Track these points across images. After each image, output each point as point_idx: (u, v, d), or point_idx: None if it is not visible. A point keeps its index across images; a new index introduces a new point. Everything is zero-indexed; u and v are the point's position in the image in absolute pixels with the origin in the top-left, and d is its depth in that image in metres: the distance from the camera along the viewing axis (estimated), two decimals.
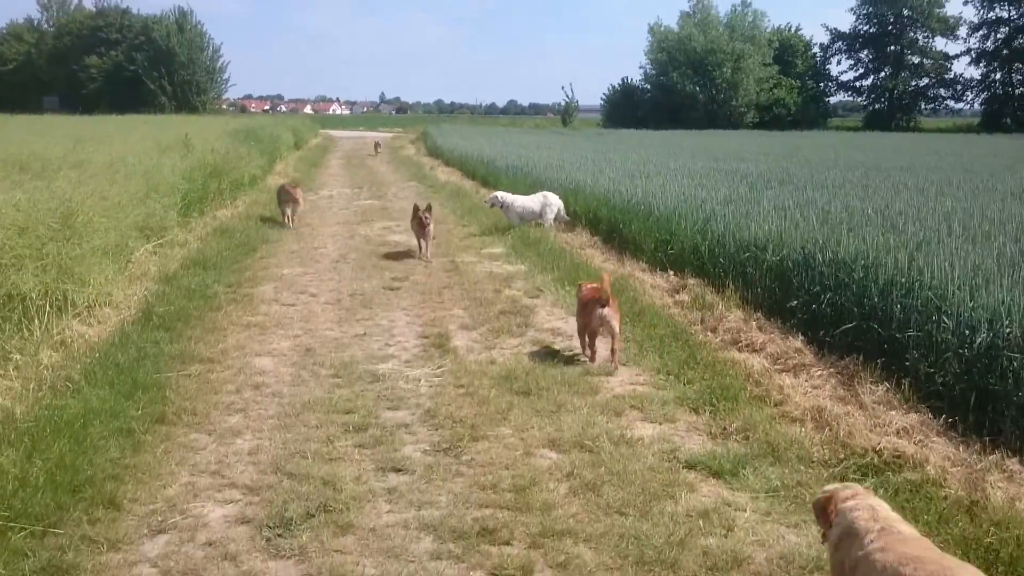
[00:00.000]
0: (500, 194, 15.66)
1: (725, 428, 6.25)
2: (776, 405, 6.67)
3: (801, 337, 7.93)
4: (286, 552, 4.56)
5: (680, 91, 75.42)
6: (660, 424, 6.35)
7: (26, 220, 9.00)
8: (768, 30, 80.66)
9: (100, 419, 6.16)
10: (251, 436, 6.13)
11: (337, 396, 6.88)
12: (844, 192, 14.31)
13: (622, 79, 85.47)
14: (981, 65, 79.91)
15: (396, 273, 12.01)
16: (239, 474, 5.50)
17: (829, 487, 3.98)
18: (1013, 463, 5.38)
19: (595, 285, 8.27)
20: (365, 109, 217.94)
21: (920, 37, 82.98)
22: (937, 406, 6.22)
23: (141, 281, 10.87)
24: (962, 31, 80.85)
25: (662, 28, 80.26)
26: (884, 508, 3.68)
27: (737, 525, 4.82)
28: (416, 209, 13.30)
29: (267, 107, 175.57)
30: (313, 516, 4.89)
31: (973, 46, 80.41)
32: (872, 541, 3.45)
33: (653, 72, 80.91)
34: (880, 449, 5.57)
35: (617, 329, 7.74)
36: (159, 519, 4.92)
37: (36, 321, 8.15)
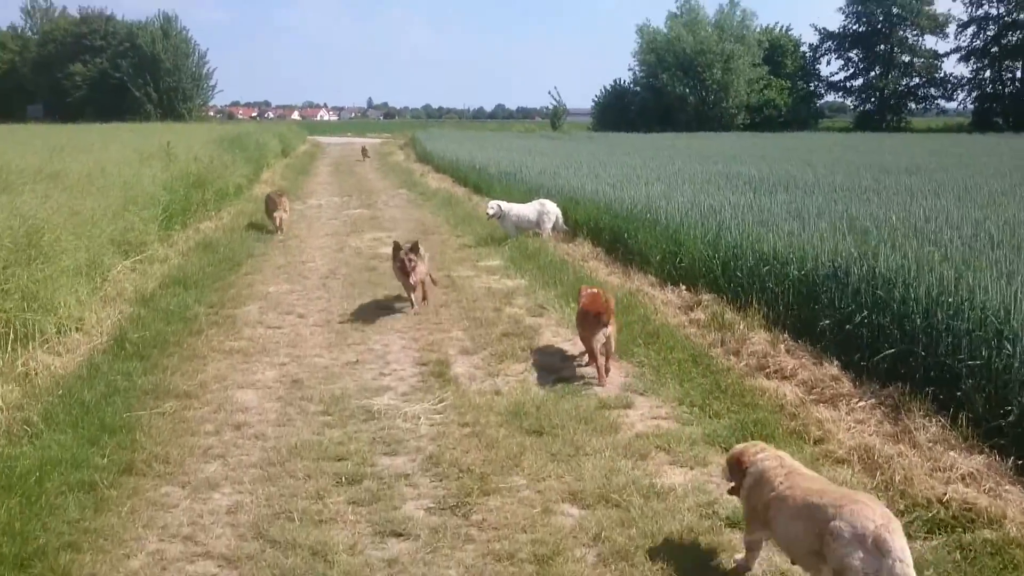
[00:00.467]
0: (500, 203, 14.94)
1: None
2: (817, 443, 6.00)
3: (836, 362, 7.23)
4: None
5: (670, 93, 74.74)
6: (691, 469, 5.65)
7: None
8: (757, 30, 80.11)
9: (59, 470, 5.47)
10: (230, 489, 5.41)
11: (328, 438, 6.17)
12: (857, 198, 13.65)
13: (614, 81, 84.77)
14: (971, 63, 79.63)
15: (389, 290, 11.29)
16: (215, 539, 4.78)
17: (739, 445, 4.64)
18: None
19: (595, 291, 8.18)
20: (353, 115, 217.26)
21: (910, 35, 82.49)
22: (1001, 444, 5.54)
23: (116, 303, 10.13)
24: (951, 29, 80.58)
25: (650, 29, 79.55)
26: (789, 458, 4.40)
27: None
28: (396, 249, 10.06)
29: (255, 114, 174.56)
30: None
31: (963, 44, 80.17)
32: (782, 483, 4.12)
33: (642, 74, 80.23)
34: (947, 500, 4.89)
35: (613, 347, 7.68)
36: None
37: None
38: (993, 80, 79.27)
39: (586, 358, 7.89)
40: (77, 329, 8.94)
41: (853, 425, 6.20)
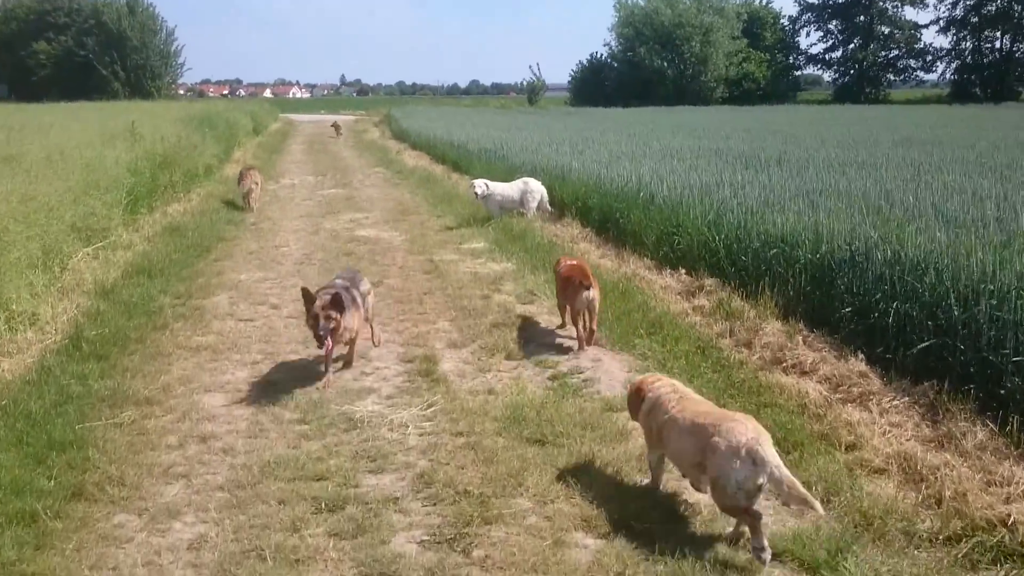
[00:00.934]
0: (486, 182, 14.21)
1: None
2: (849, 449, 5.40)
3: (861, 356, 6.62)
4: None
5: (648, 67, 73.90)
6: None
7: None
8: (737, 2, 79.33)
9: None
10: (193, 518, 4.72)
11: (304, 452, 5.48)
12: (856, 172, 13.08)
13: (590, 55, 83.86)
14: (950, 33, 79.34)
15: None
16: None
17: (638, 378, 5.30)
18: None
19: (574, 261, 8.12)
20: (326, 92, 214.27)
21: (889, 6, 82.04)
22: None
23: (74, 294, 9.36)
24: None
25: (628, 2, 78.60)
26: (682, 386, 4.96)
27: None
28: (309, 300, 6.87)
29: (226, 91, 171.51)
30: None
31: (942, 14, 79.86)
32: (674, 407, 4.62)
33: (620, 48, 79.32)
34: (1013, 523, 4.29)
35: (597, 308, 7.65)
36: None
37: None
38: (973, 51, 79.00)
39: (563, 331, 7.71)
40: (31, 324, 8.20)
41: (888, 429, 5.59)
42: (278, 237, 13.53)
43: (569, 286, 7.68)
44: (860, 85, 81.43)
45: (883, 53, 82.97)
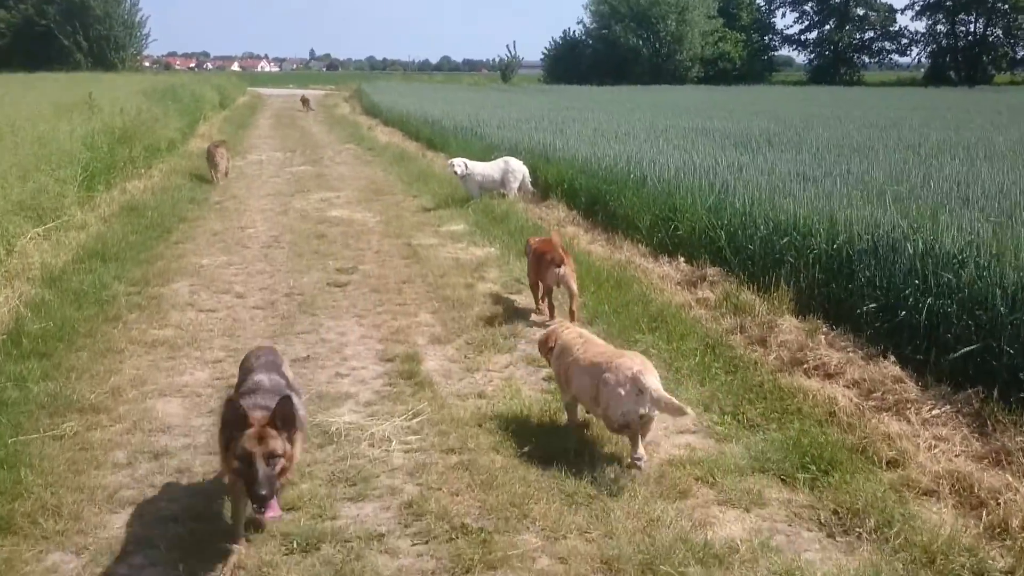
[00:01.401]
0: (465, 161, 13.45)
1: (840, 515, 4.30)
2: (891, 466, 4.79)
3: (892, 358, 6.00)
4: None
5: (623, 45, 72.98)
6: (747, 511, 4.37)
7: None
8: None
9: None
10: (142, 559, 3.99)
11: None
12: (855, 155, 12.52)
13: (563, 32, 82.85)
14: (926, 17, 79.26)
15: (342, 261, 9.86)
16: None
17: (548, 327, 6.03)
18: None
19: (545, 238, 8.02)
20: (295, 66, 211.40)
21: None
22: None
23: (18, 281, 8.51)
24: None
25: None
26: (588, 333, 5.54)
27: None
28: (236, 423, 3.80)
29: (192, 65, 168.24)
30: None
31: None
32: (578, 349, 5.19)
33: (594, 25, 78.36)
34: None
35: (575, 288, 7.46)
36: None
37: None
38: (947, 34, 78.98)
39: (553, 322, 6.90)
40: None
41: (933, 443, 4.97)
42: (244, 217, 12.70)
43: (539, 263, 7.58)
44: (835, 66, 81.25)
45: (858, 35, 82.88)
